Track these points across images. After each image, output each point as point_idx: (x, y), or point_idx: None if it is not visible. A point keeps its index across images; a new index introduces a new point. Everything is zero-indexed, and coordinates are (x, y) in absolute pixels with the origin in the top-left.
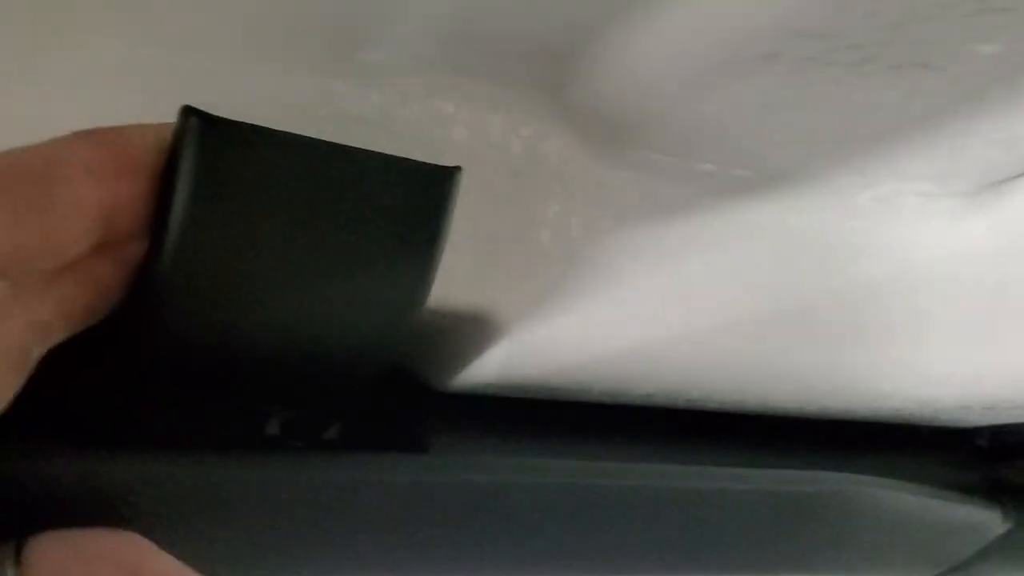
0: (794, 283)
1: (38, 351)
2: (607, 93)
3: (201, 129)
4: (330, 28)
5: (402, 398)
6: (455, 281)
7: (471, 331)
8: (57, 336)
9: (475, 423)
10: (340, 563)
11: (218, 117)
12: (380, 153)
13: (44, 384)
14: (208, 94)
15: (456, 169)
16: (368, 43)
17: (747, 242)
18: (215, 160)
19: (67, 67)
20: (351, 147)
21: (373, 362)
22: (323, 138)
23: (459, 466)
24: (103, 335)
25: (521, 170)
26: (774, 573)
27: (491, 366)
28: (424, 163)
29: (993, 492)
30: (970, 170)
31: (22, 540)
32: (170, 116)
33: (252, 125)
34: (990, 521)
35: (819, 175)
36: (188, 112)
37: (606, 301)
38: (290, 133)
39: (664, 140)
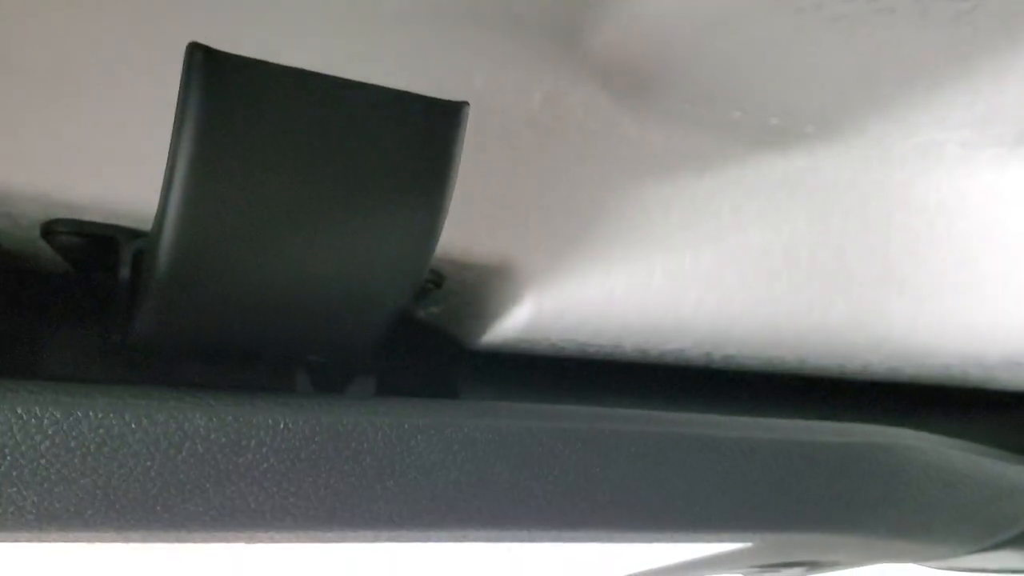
0: (829, 234)
1: None
2: (626, 38)
3: (206, 62)
4: None
5: (433, 355)
6: (477, 233)
7: (498, 286)
8: None
9: (505, 377)
10: (375, 505)
11: (223, 52)
12: (387, 88)
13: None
14: (219, 43)
15: (463, 104)
16: None
17: (780, 193)
18: (221, 93)
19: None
20: (358, 82)
21: (387, 305)
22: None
23: (486, 411)
24: (128, 288)
25: (542, 122)
26: (817, 532)
27: (519, 321)
28: (431, 98)
29: None
30: (1011, 116)
31: None
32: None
33: (257, 60)
34: None
35: (855, 123)
36: (194, 48)
37: (633, 254)
38: (296, 68)
39: (689, 87)
